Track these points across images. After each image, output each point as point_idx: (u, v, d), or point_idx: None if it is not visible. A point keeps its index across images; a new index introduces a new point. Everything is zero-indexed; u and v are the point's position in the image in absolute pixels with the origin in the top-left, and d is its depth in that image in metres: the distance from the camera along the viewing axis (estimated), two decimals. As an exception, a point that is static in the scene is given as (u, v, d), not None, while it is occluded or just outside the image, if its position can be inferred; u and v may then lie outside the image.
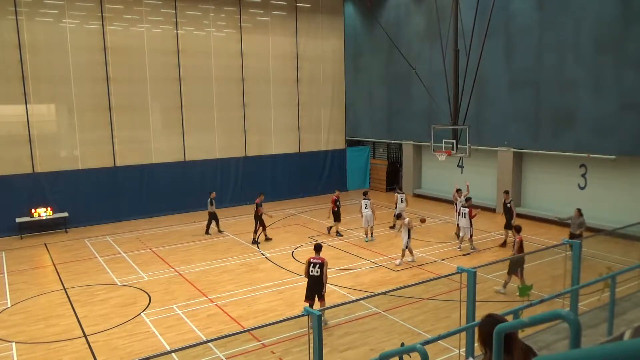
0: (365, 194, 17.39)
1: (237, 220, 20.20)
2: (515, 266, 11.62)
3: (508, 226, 15.48)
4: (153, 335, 10.06)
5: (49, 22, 18.94)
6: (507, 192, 16.39)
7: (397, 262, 14.18)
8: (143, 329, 10.39)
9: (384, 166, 26.47)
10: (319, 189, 25.39)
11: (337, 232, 17.52)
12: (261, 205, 16.86)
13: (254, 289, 12.52)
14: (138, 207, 20.82)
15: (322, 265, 10.18)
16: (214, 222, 18.11)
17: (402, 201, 18.02)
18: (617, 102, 15.62)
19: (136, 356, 8.99)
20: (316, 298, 10.23)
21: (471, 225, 15.12)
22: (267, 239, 17.00)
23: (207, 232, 18.10)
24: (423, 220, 15.88)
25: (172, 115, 21.69)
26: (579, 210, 13.93)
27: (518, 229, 12.16)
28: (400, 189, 20.36)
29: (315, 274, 10.14)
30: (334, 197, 17.55)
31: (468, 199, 15.62)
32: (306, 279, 10.42)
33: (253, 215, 16.99)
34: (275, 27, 23.95)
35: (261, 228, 16.93)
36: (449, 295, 11.50)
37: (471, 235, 15.23)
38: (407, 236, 14.06)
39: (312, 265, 10.19)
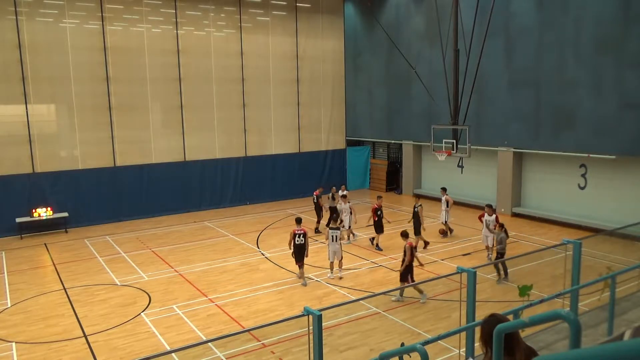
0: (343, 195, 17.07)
1: (237, 221, 20.20)
2: (406, 273, 11.22)
3: (417, 232, 15.19)
4: (153, 335, 10.06)
5: (49, 22, 18.93)
6: (417, 196, 16.33)
7: (339, 274, 13.14)
8: (143, 329, 10.39)
9: (384, 166, 26.45)
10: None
11: (377, 245, 15.55)
12: (321, 197, 17.78)
13: (254, 289, 12.52)
14: (138, 207, 20.81)
15: (305, 234, 12.58)
16: (325, 216, 17.10)
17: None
18: (617, 102, 15.61)
19: (136, 356, 8.99)
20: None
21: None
22: (317, 232, 17.45)
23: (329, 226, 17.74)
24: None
25: (172, 115, 21.69)
26: (502, 225, 12.98)
27: (405, 234, 11.73)
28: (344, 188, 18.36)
29: (300, 242, 12.50)
30: (375, 205, 15.85)
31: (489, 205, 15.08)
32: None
33: (314, 207, 18.05)
34: (275, 27, 23.95)
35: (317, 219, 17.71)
36: (449, 295, 11.53)
37: (489, 246, 14.21)
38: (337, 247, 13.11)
39: (297, 236, 12.53)
